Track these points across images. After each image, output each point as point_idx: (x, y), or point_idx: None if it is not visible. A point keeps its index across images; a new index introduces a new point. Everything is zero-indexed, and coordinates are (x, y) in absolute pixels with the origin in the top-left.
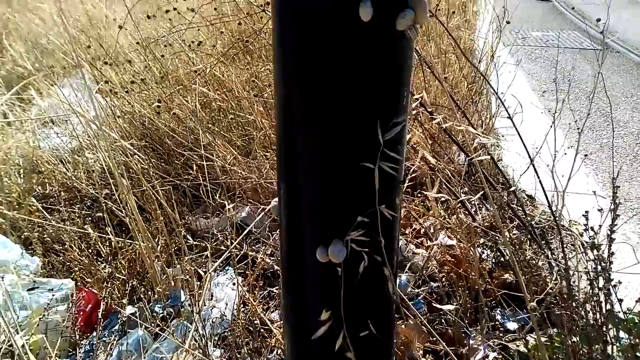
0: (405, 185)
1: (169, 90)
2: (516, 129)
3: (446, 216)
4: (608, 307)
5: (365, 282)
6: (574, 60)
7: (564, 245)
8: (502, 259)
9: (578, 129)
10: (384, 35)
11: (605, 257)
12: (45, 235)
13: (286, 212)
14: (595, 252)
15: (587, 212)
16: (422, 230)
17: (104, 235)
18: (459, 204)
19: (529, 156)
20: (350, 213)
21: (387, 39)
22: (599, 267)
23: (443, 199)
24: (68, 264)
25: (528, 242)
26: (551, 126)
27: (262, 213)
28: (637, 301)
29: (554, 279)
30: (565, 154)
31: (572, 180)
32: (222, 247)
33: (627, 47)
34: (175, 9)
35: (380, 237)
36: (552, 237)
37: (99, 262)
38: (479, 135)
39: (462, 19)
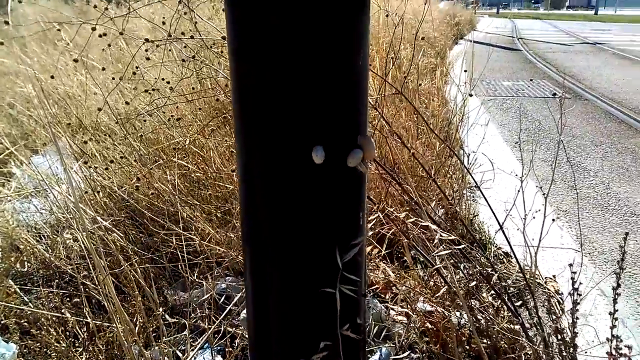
0: (384, 249)
1: (148, 165)
2: (484, 196)
3: (425, 277)
4: None
5: None
6: (544, 109)
7: (538, 310)
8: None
9: (544, 194)
10: (337, 172)
11: (570, 338)
12: (23, 319)
13: (254, 332)
14: (560, 336)
15: (556, 298)
16: (401, 296)
17: (82, 319)
18: (435, 271)
19: (498, 222)
20: (317, 335)
21: (339, 174)
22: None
23: (421, 258)
24: (45, 349)
25: (504, 306)
26: (519, 191)
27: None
28: None
29: (527, 348)
30: (534, 217)
31: (545, 234)
32: (202, 324)
33: (595, 94)
34: (154, 89)
35: None
36: (529, 297)
37: (76, 347)
38: (438, 231)
39: (431, 82)
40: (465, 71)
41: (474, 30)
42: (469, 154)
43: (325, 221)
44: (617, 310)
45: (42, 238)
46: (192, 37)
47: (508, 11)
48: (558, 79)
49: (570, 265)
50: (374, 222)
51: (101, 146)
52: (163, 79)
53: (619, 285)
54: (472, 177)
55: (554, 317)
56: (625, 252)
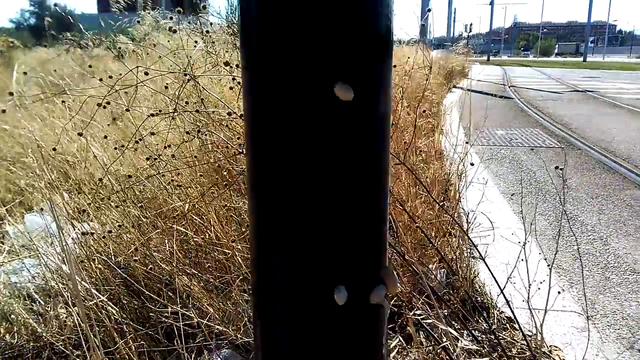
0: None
1: (145, 232)
2: (486, 265)
3: (431, 349)
4: None
5: None
6: (539, 159)
7: None
8: None
9: (548, 265)
10: (359, 310)
11: None
12: None
13: None
14: None
15: None
16: None
17: None
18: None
19: (500, 289)
20: None
21: (361, 311)
22: None
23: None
24: None
25: None
26: (522, 260)
27: None
28: None
29: None
30: (539, 288)
31: (549, 294)
32: None
33: (587, 143)
34: (156, 157)
35: None
36: None
37: None
38: (441, 325)
39: (429, 140)
40: (467, 142)
41: (465, 77)
42: (468, 213)
43: (346, 355)
44: None
45: (35, 304)
46: (197, 111)
47: (499, 58)
48: (550, 127)
49: None
50: None
51: (100, 212)
52: (165, 147)
53: None
54: (474, 245)
55: None
56: None
